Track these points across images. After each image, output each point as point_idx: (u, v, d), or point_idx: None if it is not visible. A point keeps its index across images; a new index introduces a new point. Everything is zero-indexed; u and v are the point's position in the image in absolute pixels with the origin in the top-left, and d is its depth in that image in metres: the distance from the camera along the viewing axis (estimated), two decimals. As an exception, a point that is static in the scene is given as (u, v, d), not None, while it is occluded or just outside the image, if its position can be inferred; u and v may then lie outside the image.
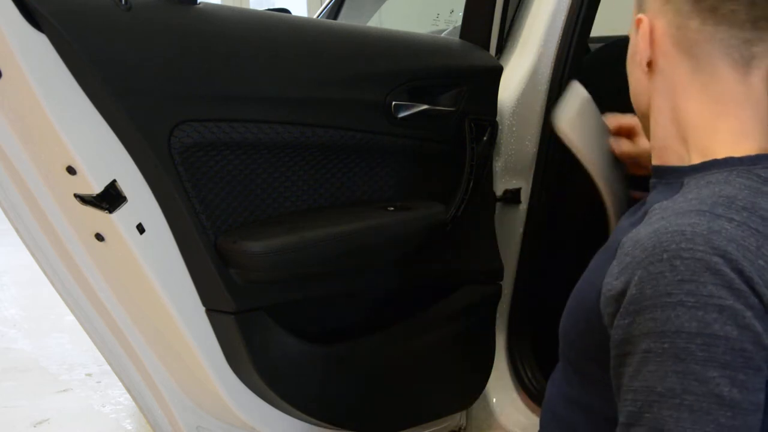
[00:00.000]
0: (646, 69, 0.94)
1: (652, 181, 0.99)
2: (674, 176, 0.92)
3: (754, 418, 0.76)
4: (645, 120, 1.00)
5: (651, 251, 0.79)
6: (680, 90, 0.92)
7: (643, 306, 0.78)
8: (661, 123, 0.95)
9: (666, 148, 0.95)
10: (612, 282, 0.83)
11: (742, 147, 0.89)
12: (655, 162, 0.99)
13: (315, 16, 2.89)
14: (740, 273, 0.76)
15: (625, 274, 0.81)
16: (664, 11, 0.91)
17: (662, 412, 0.75)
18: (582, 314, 0.93)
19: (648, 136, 1.01)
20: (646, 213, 0.90)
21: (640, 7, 0.95)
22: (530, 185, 1.59)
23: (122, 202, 1.14)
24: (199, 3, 1.18)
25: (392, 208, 1.38)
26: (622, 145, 1.36)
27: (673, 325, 0.76)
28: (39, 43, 1.05)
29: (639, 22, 0.93)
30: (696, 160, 0.91)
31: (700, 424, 0.74)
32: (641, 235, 0.82)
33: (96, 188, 1.12)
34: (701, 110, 0.91)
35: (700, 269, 0.76)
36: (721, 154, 0.89)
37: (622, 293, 0.81)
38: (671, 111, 0.93)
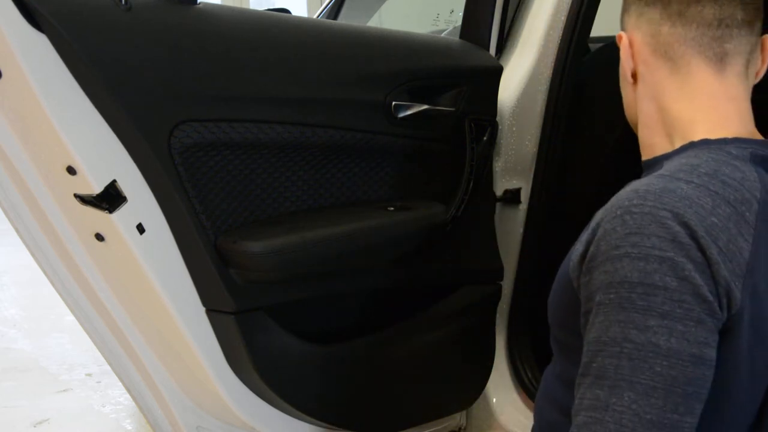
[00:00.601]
0: (631, 81, 0.99)
1: (643, 175, 1.01)
2: (657, 164, 0.96)
3: (695, 369, 0.77)
4: (635, 129, 1.04)
5: (608, 211, 0.84)
6: (661, 91, 0.97)
7: (598, 261, 0.82)
8: (648, 124, 1.00)
9: (653, 144, 1.00)
10: (578, 247, 0.87)
11: (720, 134, 0.93)
12: (644, 158, 1.03)
13: (315, 16, 2.89)
14: (686, 226, 0.79)
15: (587, 236, 0.86)
16: (638, 24, 0.96)
17: (605, 361, 0.79)
18: (560, 289, 0.96)
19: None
20: None
21: (622, 27, 1.00)
22: (530, 185, 1.59)
23: (122, 202, 1.14)
24: (199, 3, 1.18)
25: (392, 208, 1.38)
26: None
27: (618, 276, 0.79)
28: (39, 43, 1.05)
29: (619, 39, 0.98)
30: (677, 147, 0.96)
31: (637, 372, 0.77)
32: (608, 203, 0.88)
33: (96, 188, 1.12)
34: (681, 107, 0.95)
35: (647, 222, 0.79)
36: (697, 138, 0.93)
37: (584, 254, 0.85)
38: (656, 112, 0.98)
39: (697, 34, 0.93)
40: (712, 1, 0.91)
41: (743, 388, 0.89)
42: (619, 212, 0.82)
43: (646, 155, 1.02)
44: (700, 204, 0.81)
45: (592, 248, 0.83)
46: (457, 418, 1.73)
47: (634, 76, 0.99)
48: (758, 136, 0.95)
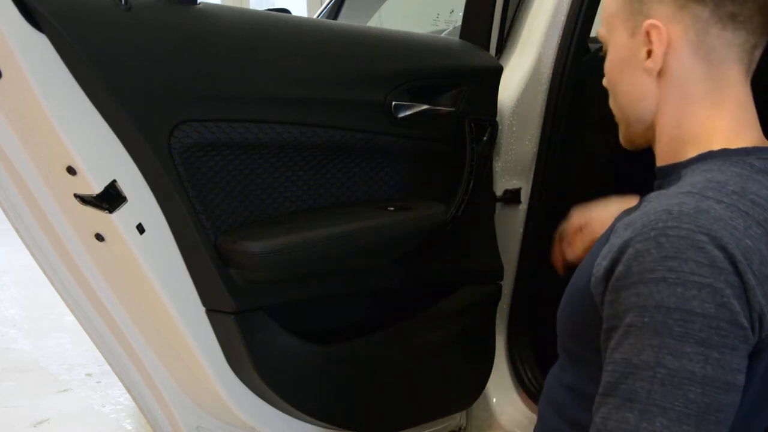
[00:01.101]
0: (655, 75, 0.94)
1: (657, 182, 1.00)
2: (674, 173, 0.95)
3: (726, 397, 0.77)
4: (639, 125, 1.00)
5: (639, 230, 0.81)
6: (690, 94, 0.93)
7: (629, 282, 0.80)
8: (667, 127, 0.96)
9: (670, 150, 0.97)
10: (601, 262, 0.85)
11: (738, 142, 0.92)
12: (659, 163, 1.00)
13: (315, 16, 2.89)
14: (724, 250, 0.78)
15: (613, 253, 0.83)
16: (679, 17, 0.90)
17: (636, 384, 0.78)
18: (577, 299, 0.95)
19: (630, 141, 1.03)
20: (642, 203, 0.93)
21: (639, 12, 0.94)
22: (530, 185, 1.59)
23: (122, 202, 1.14)
24: (199, 3, 1.18)
25: (392, 208, 1.38)
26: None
27: (654, 300, 0.78)
28: (39, 43, 1.05)
29: (652, 27, 0.91)
30: (693, 155, 0.93)
31: (669, 398, 0.76)
32: (632, 217, 0.85)
33: (96, 188, 1.12)
34: (707, 113, 0.93)
35: (684, 246, 0.78)
36: (717, 147, 0.91)
37: (611, 271, 0.83)
38: (678, 115, 0.95)
39: (742, 41, 0.90)
40: (762, 7, 0.88)
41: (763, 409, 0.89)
42: (653, 234, 0.80)
43: (663, 160, 0.99)
44: (734, 225, 0.80)
45: (620, 267, 0.81)
46: (457, 418, 1.73)
47: (659, 71, 0.93)
48: (764, 143, 0.94)
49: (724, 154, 0.90)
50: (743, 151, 0.90)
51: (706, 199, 0.82)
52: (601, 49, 1.85)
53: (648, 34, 0.92)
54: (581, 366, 0.97)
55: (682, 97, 0.93)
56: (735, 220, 0.80)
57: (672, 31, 0.91)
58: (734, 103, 0.92)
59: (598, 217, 1.27)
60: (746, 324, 0.78)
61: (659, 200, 0.85)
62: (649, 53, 0.93)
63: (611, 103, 1.05)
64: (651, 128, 0.99)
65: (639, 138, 1.02)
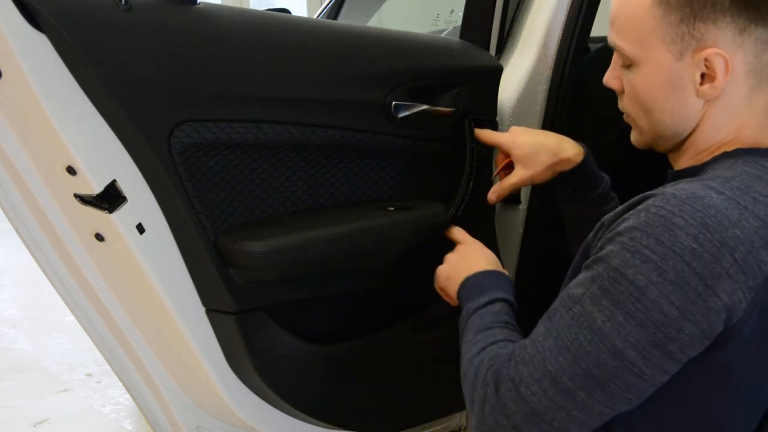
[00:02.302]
0: (709, 98, 0.92)
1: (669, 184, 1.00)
2: (689, 175, 0.95)
3: (609, 359, 0.82)
4: (674, 139, 0.98)
5: (632, 205, 0.88)
6: (732, 110, 0.93)
7: (603, 236, 0.89)
8: (698, 141, 0.96)
9: (692, 157, 0.98)
10: (602, 221, 0.93)
11: (759, 145, 0.93)
12: (676, 168, 1.01)
13: (315, 16, 2.89)
14: (695, 239, 0.80)
15: (611, 216, 0.91)
16: (739, 42, 0.89)
17: (559, 307, 0.89)
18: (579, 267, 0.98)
19: (648, 145, 1.03)
20: None
21: (689, 36, 0.90)
22: (530, 185, 1.59)
23: (122, 202, 1.14)
24: (199, 3, 1.18)
25: (392, 208, 1.38)
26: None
27: (604, 254, 0.86)
28: (39, 43, 1.05)
29: (715, 56, 0.89)
30: (708, 158, 0.95)
31: (567, 329, 0.86)
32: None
33: (96, 188, 1.12)
34: (740, 123, 0.93)
35: (656, 224, 0.82)
36: (732, 149, 0.92)
37: (596, 231, 0.92)
38: (713, 129, 0.94)
39: None
40: None
41: (749, 399, 0.89)
42: (641, 207, 0.85)
43: (681, 165, 0.99)
44: (726, 215, 0.81)
45: (605, 229, 0.90)
46: (457, 418, 1.73)
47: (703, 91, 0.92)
48: None
49: (738, 153, 0.91)
50: (757, 152, 0.91)
51: (706, 188, 0.84)
52: (601, 49, 1.85)
53: (707, 60, 0.90)
54: None
55: (725, 114, 0.93)
56: (729, 210, 0.82)
57: (733, 57, 0.89)
58: (763, 111, 0.93)
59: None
60: (675, 314, 0.80)
61: (664, 187, 0.88)
62: (703, 76, 0.91)
63: (632, 112, 1.02)
64: (682, 140, 0.98)
65: (662, 146, 1.01)
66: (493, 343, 0.99)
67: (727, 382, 0.87)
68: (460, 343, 1.07)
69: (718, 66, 0.89)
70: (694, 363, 0.84)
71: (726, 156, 0.92)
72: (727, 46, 0.89)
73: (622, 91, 1.02)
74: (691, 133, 0.96)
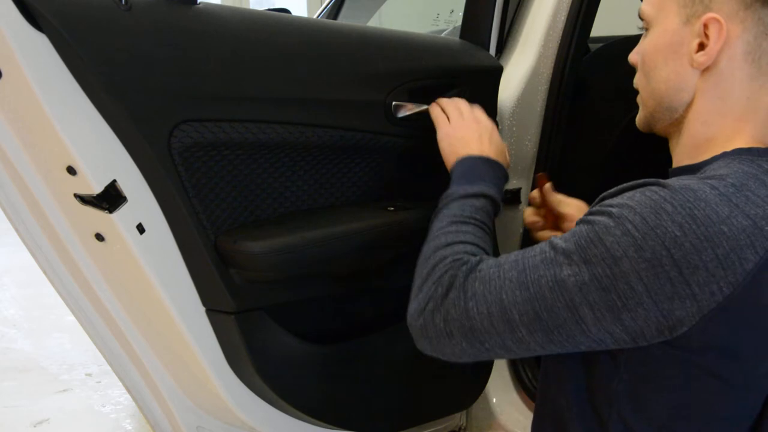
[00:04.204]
0: (701, 67, 0.93)
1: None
2: (686, 173, 0.95)
3: (563, 312, 0.85)
4: (668, 114, 0.99)
5: (632, 186, 0.89)
6: (729, 94, 0.92)
7: (599, 203, 0.91)
8: (694, 124, 0.96)
9: (689, 151, 0.97)
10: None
11: (759, 145, 0.92)
12: (675, 164, 1.00)
13: (315, 16, 2.90)
14: (680, 228, 0.80)
15: (604, 195, 0.92)
16: (742, 17, 0.89)
17: (536, 247, 0.91)
18: None
19: (648, 125, 1.03)
20: None
21: (699, 4, 0.92)
22: (530, 185, 1.59)
23: (122, 202, 1.14)
24: (199, 3, 1.18)
25: (392, 208, 1.38)
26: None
27: (591, 218, 0.87)
28: (39, 43, 1.05)
29: (712, 21, 0.90)
30: (709, 157, 0.94)
31: (533, 269, 0.88)
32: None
33: (96, 188, 1.12)
34: (738, 115, 0.93)
35: (645, 204, 0.83)
36: (731, 148, 0.92)
37: (598, 200, 0.92)
38: (710, 113, 0.94)
39: None
40: None
41: (743, 388, 0.90)
42: (638, 189, 0.87)
43: (679, 161, 0.99)
44: (716, 210, 0.81)
45: (600, 201, 0.91)
46: (457, 418, 1.73)
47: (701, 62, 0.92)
48: None
49: (736, 153, 0.91)
50: (756, 152, 0.90)
51: (701, 183, 0.85)
52: (602, 49, 1.85)
53: (705, 26, 0.90)
54: (595, 366, 0.97)
55: (721, 96, 0.93)
56: (720, 206, 0.82)
57: (731, 29, 0.90)
58: (765, 109, 0.92)
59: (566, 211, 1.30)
60: (638, 289, 0.81)
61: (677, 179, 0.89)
62: (701, 46, 0.92)
63: (639, 83, 1.02)
64: (678, 121, 0.98)
65: (660, 125, 1.01)
66: (462, 242, 1.01)
67: (719, 380, 0.88)
68: (430, 220, 1.09)
69: (713, 32, 0.90)
70: (678, 351, 0.85)
71: (724, 156, 0.92)
72: (730, 16, 0.89)
73: (638, 65, 1.03)
74: (687, 112, 0.96)
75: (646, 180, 0.88)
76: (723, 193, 0.83)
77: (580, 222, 0.89)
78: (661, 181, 0.87)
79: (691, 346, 0.84)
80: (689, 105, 0.95)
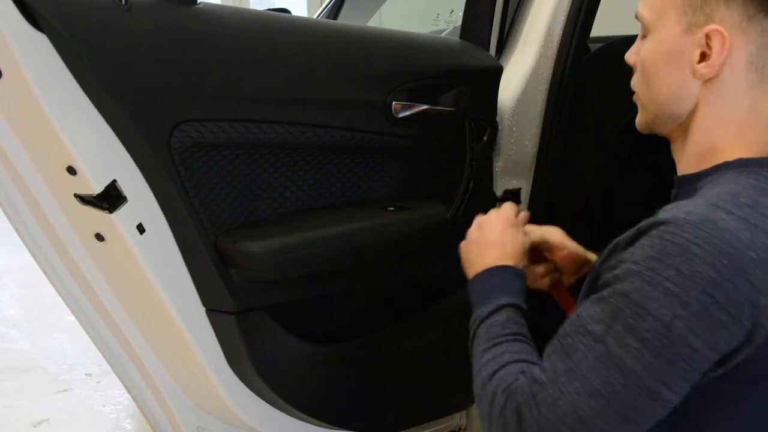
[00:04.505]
0: (703, 78, 0.91)
1: (674, 192, 1.00)
2: (691, 183, 0.94)
3: (644, 401, 0.81)
4: (671, 121, 0.98)
5: (644, 229, 0.85)
6: (732, 103, 0.92)
7: (619, 265, 0.86)
8: (698, 133, 0.95)
9: (694, 159, 0.96)
10: (610, 246, 0.92)
11: (762, 153, 0.91)
12: (680, 172, 0.99)
13: (315, 16, 2.89)
14: (713, 267, 0.79)
15: (624, 239, 0.89)
16: (745, 28, 0.88)
17: (578, 344, 0.85)
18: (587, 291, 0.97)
19: (650, 129, 1.02)
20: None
21: (700, 10, 0.90)
22: (530, 185, 1.59)
23: (122, 202, 1.14)
24: (199, 3, 1.18)
25: (392, 209, 1.38)
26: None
27: (623, 287, 0.83)
28: (39, 43, 1.05)
29: (715, 33, 0.89)
30: (712, 164, 0.93)
31: (594, 372, 0.83)
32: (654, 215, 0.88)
33: (96, 188, 1.12)
34: (741, 122, 0.92)
35: (674, 252, 0.80)
36: (733, 158, 0.91)
37: (613, 251, 0.90)
38: (713, 121, 0.93)
39: None
40: None
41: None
42: (654, 232, 0.83)
43: (684, 169, 0.98)
44: (739, 237, 0.80)
45: (623, 253, 0.87)
46: (457, 418, 1.73)
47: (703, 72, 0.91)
48: None
49: (740, 164, 0.90)
50: (758, 162, 0.90)
51: (716, 209, 0.83)
52: (602, 49, 1.85)
53: (708, 37, 0.89)
54: None
55: (723, 104, 0.92)
56: (741, 232, 0.80)
57: (734, 41, 0.88)
58: (765, 117, 0.91)
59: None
60: (700, 346, 0.79)
61: (672, 209, 0.86)
62: (702, 55, 0.91)
63: (639, 87, 1.01)
64: (681, 126, 0.97)
65: (662, 129, 1.00)
66: (503, 366, 0.94)
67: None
68: (470, 354, 1.03)
69: (716, 44, 0.89)
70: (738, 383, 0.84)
71: (728, 167, 0.90)
72: (732, 28, 0.88)
73: (637, 67, 1.01)
74: (690, 120, 0.95)
75: (657, 220, 0.84)
76: (740, 217, 0.82)
77: (613, 294, 0.84)
78: (674, 218, 0.83)
79: (745, 376, 0.83)
80: (692, 112, 0.95)
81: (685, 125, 0.96)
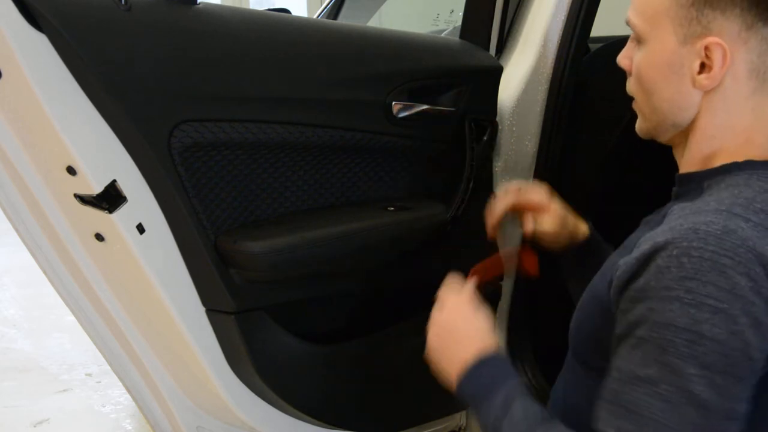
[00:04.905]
0: (705, 89, 0.90)
1: (675, 189, 0.99)
2: (695, 182, 0.93)
3: (722, 423, 0.77)
4: (673, 130, 0.97)
5: (663, 246, 0.81)
6: (734, 109, 0.91)
7: (645, 296, 0.81)
8: (702, 138, 0.94)
9: (698, 159, 0.95)
10: (622, 272, 0.86)
11: (764, 155, 0.91)
12: (682, 170, 0.99)
13: (315, 16, 2.89)
14: (747, 276, 0.77)
15: (634, 265, 0.84)
16: (744, 38, 0.87)
17: (638, 396, 0.79)
18: (596, 309, 0.94)
19: (650, 135, 1.01)
20: (665, 216, 0.91)
21: (696, 21, 0.89)
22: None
23: (122, 202, 1.14)
24: (199, 3, 1.18)
25: (392, 209, 1.38)
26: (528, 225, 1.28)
27: (664, 317, 0.78)
28: (39, 43, 1.05)
29: (715, 45, 0.87)
30: (717, 164, 0.92)
31: (668, 414, 0.77)
32: (657, 232, 0.84)
33: (96, 188, 1.12)
34: (745, 126, 0.91)
35: (706, 268, 0.77)
36: (742, 159, 0.90)
37: (629, 281, 0.84)
38: (718, 127, 0.92)
39: None
40: None
41: None
42: (675, 252, 0.79)
43: (687, 167, 0.97)
44: (761, 244, 0.79)
45: (640, 280, 0.82)
46: (457, 418, 1.73)
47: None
48: None
49: (750, 166, 0.89)
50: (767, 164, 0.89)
51: (734, 217, 0.81)
52: (601, 49, 1.85)
53: (707, 49, 0.88)
54: (597, 375, 0.94)
55: (726, 111, 0.91)
56: (763, 239, 0.79)
57: (734, 51, 0.87)
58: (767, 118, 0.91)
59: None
60: (757, 355, 0.78)
61: (686, 217, 0.84)
62: (702, 66, 0.90)
63: (637, 96, 1.00)
64: (683, 133, 0.96)
65: (664, 137, 1.00)
66: None
67: None
68: None
69: (717, 57, 0.87)
70: None
71: (737, 168, 0.90)
72: (732, 39, 0.87)
73: (631, 72, 1.00)
74: (693, 128, 0.94)
75: (668, 240, 0.80)
76: (758, 223, 0.81)
77: (652, 327, 0.79)
78: (693, 231, 0.80)
79: None
80: (694, 120, 0.94)
81: (687, 132, 0.96)
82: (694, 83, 0.91)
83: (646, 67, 0.95)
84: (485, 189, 1.52)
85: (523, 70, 1.53)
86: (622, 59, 1.01)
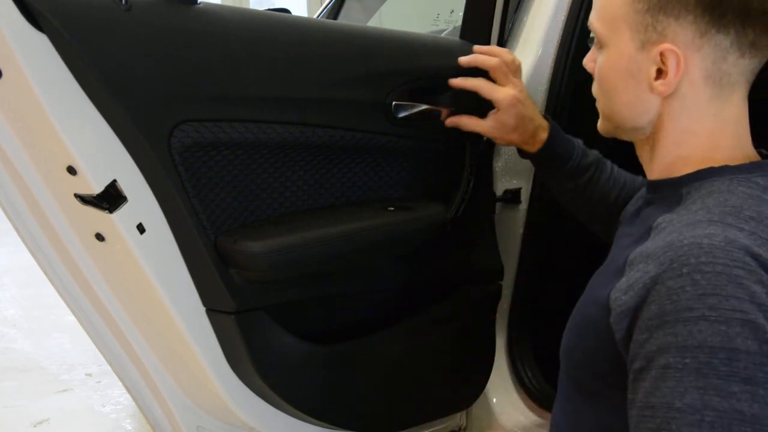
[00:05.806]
0: (662, 95, 0.92)
1: (647, 196, 0.99)
2: (671, 188, 0.93)
3: None
4: (634, 134, 0.98)
5: (668, 266, 0.79)
6: (694, 114, 0.91)
7: (664, 321, 0.78)
8: (667, 145, 0.95)
9: (667, 166, 0.96)
10: (622, 298, 0.83)
11: (739, 159, 0.91)
12: (651, 177, 0.99)
13: (315, 16, 2.89)
14: (761, 283, 0.77)
15: (637, 289, 0.81)
16: (698, 44, 0.88)
17: (682, 429, 0.74)
18: (589, 333, 0.92)
19: (612, 136, 1.02)
20: (649, 229, 0.90)
21: (651, 28, 0.90)
22: (530, 185, 1.59)
23: (122, 202, 1.14)
24: (199, 3, 1.18)
25: (392, 209, 1.38)
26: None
27: (695, 340, 0.75)
28: (39, 43, 1.05)
29: (669, 52, 0.88)
30: (691, 170, 0.92)
31: None
32: (652, 249, 0.83)
33: (96, 188, 1.12)
34: (709, 130, 0.92)
35: (723, 282, 0.76)
36: (717, 163, 0.90)
37: (637, 308, 0.81)
38: (681, 133, 0.93)
39: (756, 66, 0.89)
40: None
41: None
42: (685, 270, 0.77)
43: (657, 174, 0.97)
44: (759, 252, 0.79)
45: (652, 306, 0.79)
46: (457, 418, 1.73)
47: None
48: (757, 156, 0.93)
49: (728, 171, 0.89)
50: (746, 168, 0.89)
51: (729, 227, 0.81)
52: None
53: (662, 55, 0.89)
54: (600, 401, 0.94)
55: (686, 116, 0.92)
56: (760, 248, 0.79)
57: (689, 58, 0.88)
58: (735, 120, 0.92)
59: None
60: None
61: (680, 230, 0.83)
62: (659, 72, 0.91)
63: (599, 98, 1.01)
64: (648, 138, 0.97)
65: (624, 138, 1.01)
66: None
67: None
68: None
69: (671, 63, 0.89)
70: None
71: (716, 173, 0.89)
72: (686, 45, 0.88)
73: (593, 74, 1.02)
74: (657, 133, 0.95)
75: (679, 256, 0.79)
76: (752, 232, 0.81)
77: (680, 351, 0.76)
78: (697, 246, 0.79)
79: None
80: (658, 125, 0.94)
81: (653, 138, 0.96)
82: (651, 89, 0.92)
83: (606, 71, 0.97)
84: (485, 189, 1.52)
85: (523, 70, 1.53)
86: (588, 62, 1.03)
